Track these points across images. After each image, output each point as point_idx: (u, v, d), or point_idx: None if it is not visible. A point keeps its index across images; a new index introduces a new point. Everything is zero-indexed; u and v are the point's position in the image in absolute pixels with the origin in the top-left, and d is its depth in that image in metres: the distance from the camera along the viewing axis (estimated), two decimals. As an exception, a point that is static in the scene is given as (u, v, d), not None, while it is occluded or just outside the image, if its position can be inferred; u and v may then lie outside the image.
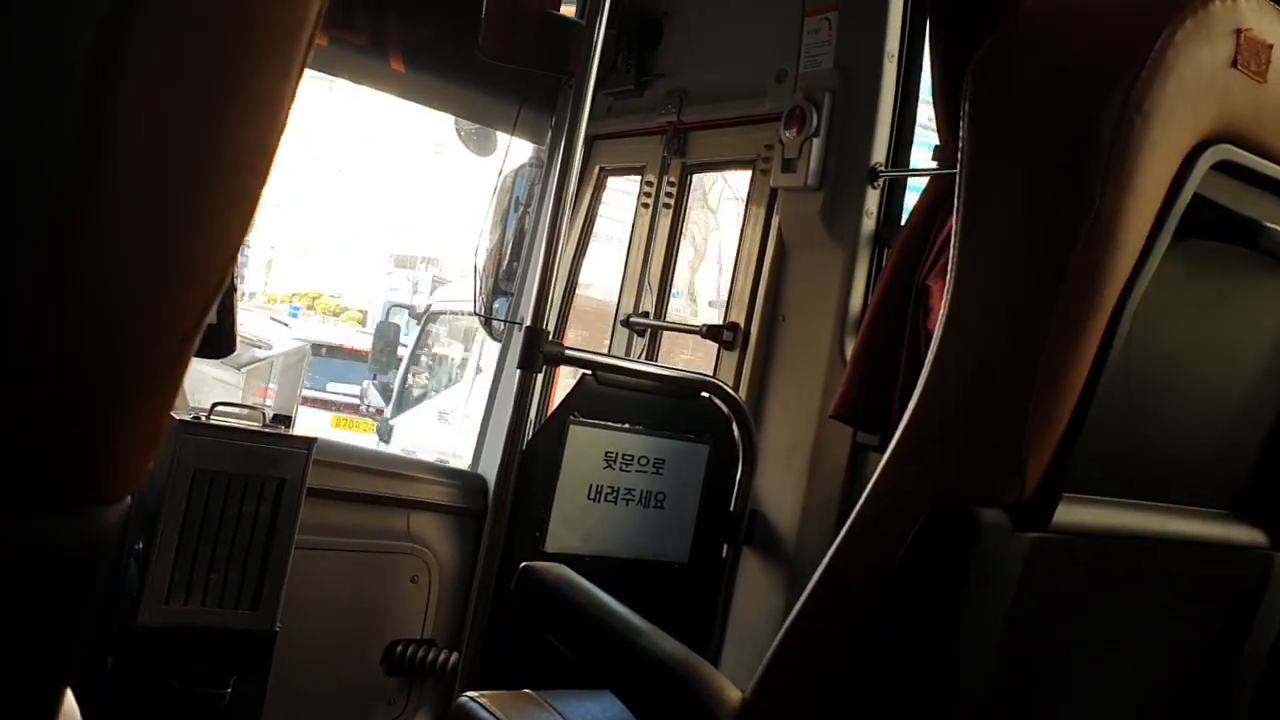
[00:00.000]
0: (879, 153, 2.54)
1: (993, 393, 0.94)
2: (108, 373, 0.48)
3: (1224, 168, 0.93)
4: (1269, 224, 0.94)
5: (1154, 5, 0.90)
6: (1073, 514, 0.96)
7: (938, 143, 2.42)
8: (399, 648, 2.98)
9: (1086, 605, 1.05)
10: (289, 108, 0.47)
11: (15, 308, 0.45)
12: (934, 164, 2.43)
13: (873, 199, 2.55)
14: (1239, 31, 0.90)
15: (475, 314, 3.86)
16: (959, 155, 0.97)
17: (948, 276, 0.97)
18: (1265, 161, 0.96)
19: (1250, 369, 1.08)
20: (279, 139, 0.47)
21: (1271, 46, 0.92)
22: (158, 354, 0.48)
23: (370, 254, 29.40)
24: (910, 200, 2.55)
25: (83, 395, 0.48)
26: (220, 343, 2.35)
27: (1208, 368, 1.04)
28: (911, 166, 2.60)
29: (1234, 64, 0.90)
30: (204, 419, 2.41)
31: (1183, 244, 0.94)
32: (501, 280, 3.72)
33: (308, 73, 0.50)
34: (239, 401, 2.56)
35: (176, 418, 2.35)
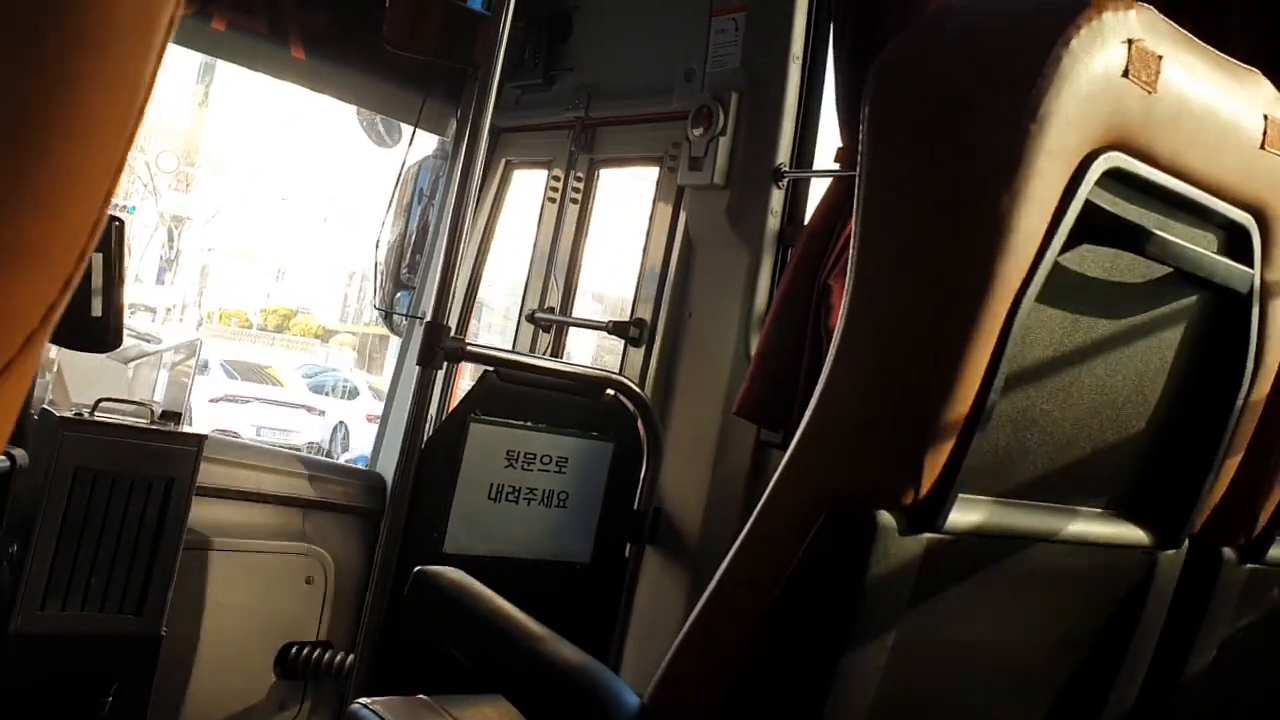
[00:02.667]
0: (784, 153, 2.56)
1: (889, 394, 0.94)
2: None
3: (1115, 175, 0.95)
4: (1157, 231, 0.96)
5: (1049, 15, 0.91)
6: (967, 514, 0.97)
7: (840, 144, 2.44)
8: (293, 650, 2.90)
9: (979, 604, 1.06)
10: (149, 80, 0.43)
11: None
12: (836, 165, 2.45)
13: (777, 198, 2.56)
14: (1130, 42, 0.91)
15: (376, 308, 3.78)
16: (858, 159, 0.97)
17: (847, 278, 0.97)
18: (1154, 169, 0.98)
19: (1136, 372, 1.10)
20: (137, 114, 0.43)
21: (1161, 57, 0.94)
22: None
23: (330, 258, 28.69)
24: (814, 201, 2.57)
25: None
26: (105, 337, 2.27)
27: (1097, 371, 1.06)
28: (815, 168, 2.61)
29: (1125, 74, 0.91)
30: (87, 415, 2.31)
31: (1075, 249, 0.95)
32: (404, 274, 3.66)
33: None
34: (126, 398, 2.46)
35: (56, 414, 2.26)
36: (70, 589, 2.26)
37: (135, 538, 2.33)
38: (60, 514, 2.23)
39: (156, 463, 2.35)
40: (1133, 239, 0.97)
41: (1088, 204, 0.93)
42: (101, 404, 2.36)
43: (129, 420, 2.37)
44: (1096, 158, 0.92)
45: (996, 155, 0.88)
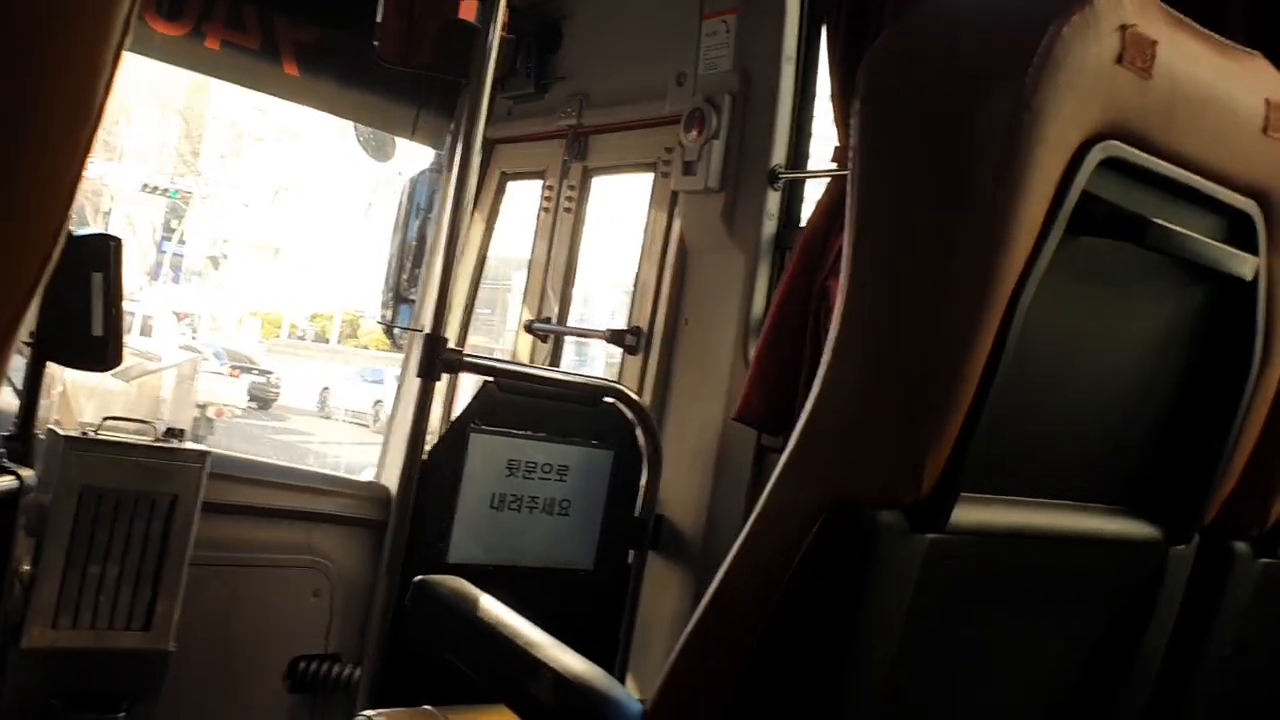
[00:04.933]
0: (779, 154, 2.56)
1: (887, 393, 0.94)
2: None
3: (1112, 164, 0.94)
4: (1155, 219, 0.95)
5: (1040, 3, 0.90)
6: (970, 513, 0.96)
7: (837, 144, 2.45)
8: (301, 664, 2.90)
9: (985, 604, 1.05)
10: (105, 84, 0.43)
11: None
12: (833, 165, 2.45)
13: (773, 201, 2.57)
14: (1124, 28, 0.90)
15: (378, 322, 3.79)
16: (850, 156, 0.97)
17: (841, 277, 0.96)
18: (1152, 157, 0.97)
19: (1140, 364, 1.09)
20: (94, 119, 0.43)
21: (1156, 43, 0.93)
22: None
23: (379, 251, 26.84)
24: (810, 202, 2.57)
25: None
26: (106, 355, 2.28)
27: (1099, 364, 1.05)
28: (811, 169, 2.62)
29: (1120, 60, 0.91)
30: (91, 434, 2.32)
31: (1073, 241, 0.94)
32: (404, 287, 3.66)
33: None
34: (130, 416, 2.47)
35: (62, 433, 2.26)
36: (79, 606, 2.26)
37: (141, 554, 2.33)
38: (68, 532, 2.24)
39: (161, 480, 2.35)
40: (1132, 229, 0.96)
41: (1085, 194, 0.92)
42: (106, 422, 2.36)
43: (133, 438, 2.37)
44: (1092, 147, 0.91)
45: (990, 147, 0.87)
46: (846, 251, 0.95)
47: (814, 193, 2.55)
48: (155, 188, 26.03)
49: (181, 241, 27.11)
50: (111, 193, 24.95)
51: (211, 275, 27.74)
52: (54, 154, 0.42)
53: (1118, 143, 0.94)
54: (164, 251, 27.03)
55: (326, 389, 21.46)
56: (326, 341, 26.75)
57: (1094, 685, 1.18)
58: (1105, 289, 1.04)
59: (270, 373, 21.08)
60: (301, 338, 27.47)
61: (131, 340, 18.33)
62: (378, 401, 20.21)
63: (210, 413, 16.93)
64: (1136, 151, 0.96)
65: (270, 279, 27.48)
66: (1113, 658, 1.16)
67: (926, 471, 0.91)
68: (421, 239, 3.61)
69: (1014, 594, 1.07)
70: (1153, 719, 1.20)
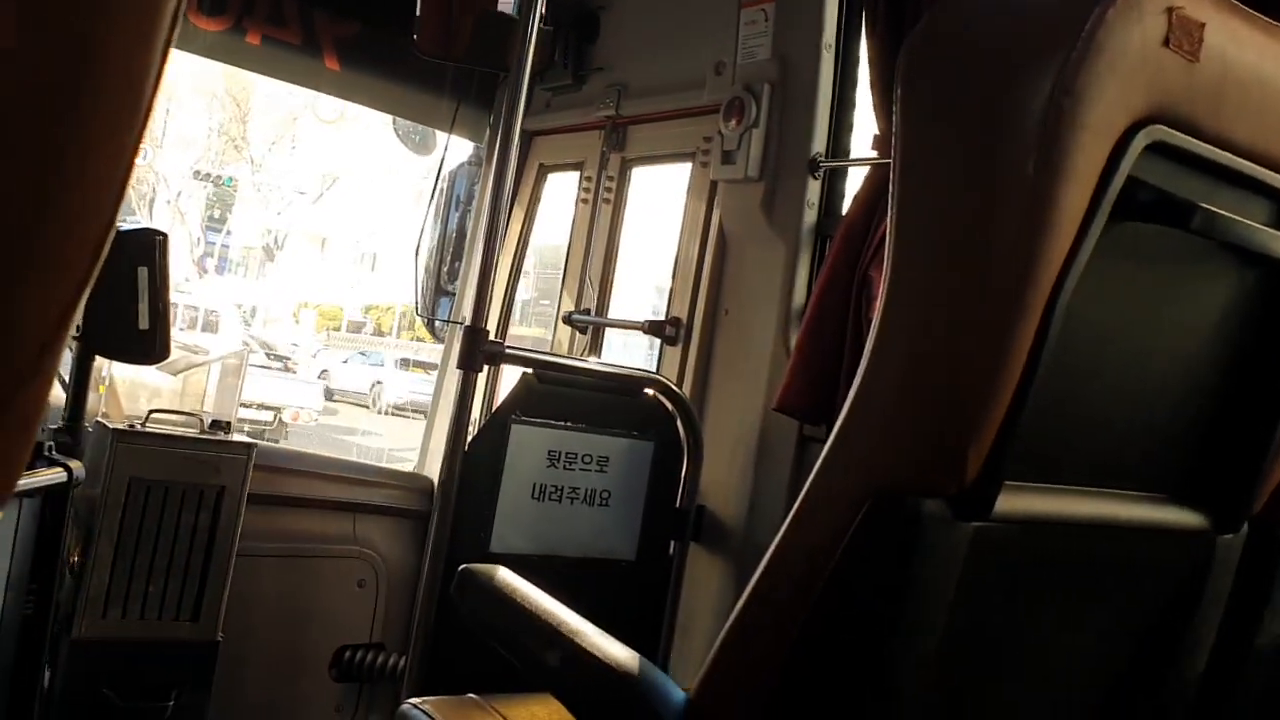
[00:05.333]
0: (819, 143, 2.54)
1: (930, 381, 0.93)
2: None
3: (1158, 149, 0.92)
4: (1203, 204, 0.94)
5: None
6: (1014, 502, 0.95)
7: (877, 132, 2.43)
8: (347, 653, 2.93)
9: (1029, 594, 1.04)
10: (154, 80, 0.43)
11: None
12: (874, 153, 2.43)
13: (814, 190, 2.55)
14: (1170, 10, 0.89)
15: (417, 314, 3.81)
16: (893, 146, 0.96)
17: (884, 265, 0.96)
18: (1199, 142, 0.95)
19: (1187, 350, 1.08)
20: (144, 115, 0.44)
21: (1204, 25, 0.91)
22: (9, 367, 0.44)
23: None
24: (851, 191, 2.56)
25: None
26: (153, 349, 2.31)
27: (1145, 350, 1.04)
28: (851, 157, 2.60)
29: (1166, 43, 0.89)
30: (139, 427, 2.35)
31: (1118, 227, 0.93)
32: (444, 280, 3.68)
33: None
34: (176, 408, 2.50)
35: (110, 426, 2.30)
36: (129, 597, 2.30)
37: (189, 546, 2.36)
38: (117, 524, 2.27)
39: (208, 472, 2.38)
40: (1178, 214, 0.94)
41: (1130, 179, 0.91)
42: (153, 415, 2.40)
43: (180, 431, 2.40)
44: (1138, 132, 0.90)
45: (1034, 132, 0.86)
46: (889, 239, 0.95)
47: (855, 181, 2.53)
48: (207, 174, 25.56)
49: (228, 231, 26.65)
50: (159, 180, 24.76)
51: (263, 267, 27.28)
52: (106, 150, 0.43)
53: (1164, 127, 0.92)
54: (212, 242, 26.88)
55: (325, 371, 21.62)
56: (384, 335, 26.28)
57: (1140, 677, 1.16)
58: (1151, 275, 1.02)
59: (286, 358, 21.20)
60: (357, 331, 26.91)
61: (197, 338, 18.02)
62: (376, 383, 20.27)
63: (286, 416, 16.75)
64: (1183, 136, 0.94)
65: (323, 270, 26.88)
66: (1159, 649, 1.15)
67: (970, 460, 0.91)
68: (461, 231, 3.63)
69: (1058, 584, 1.06)
70: (1201, 711, 1.19)
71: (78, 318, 0.46)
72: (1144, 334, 1.04)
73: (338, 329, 26.63)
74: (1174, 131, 0.93)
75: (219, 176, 25.72)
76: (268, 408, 16.45)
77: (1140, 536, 1.09)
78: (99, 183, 0.43)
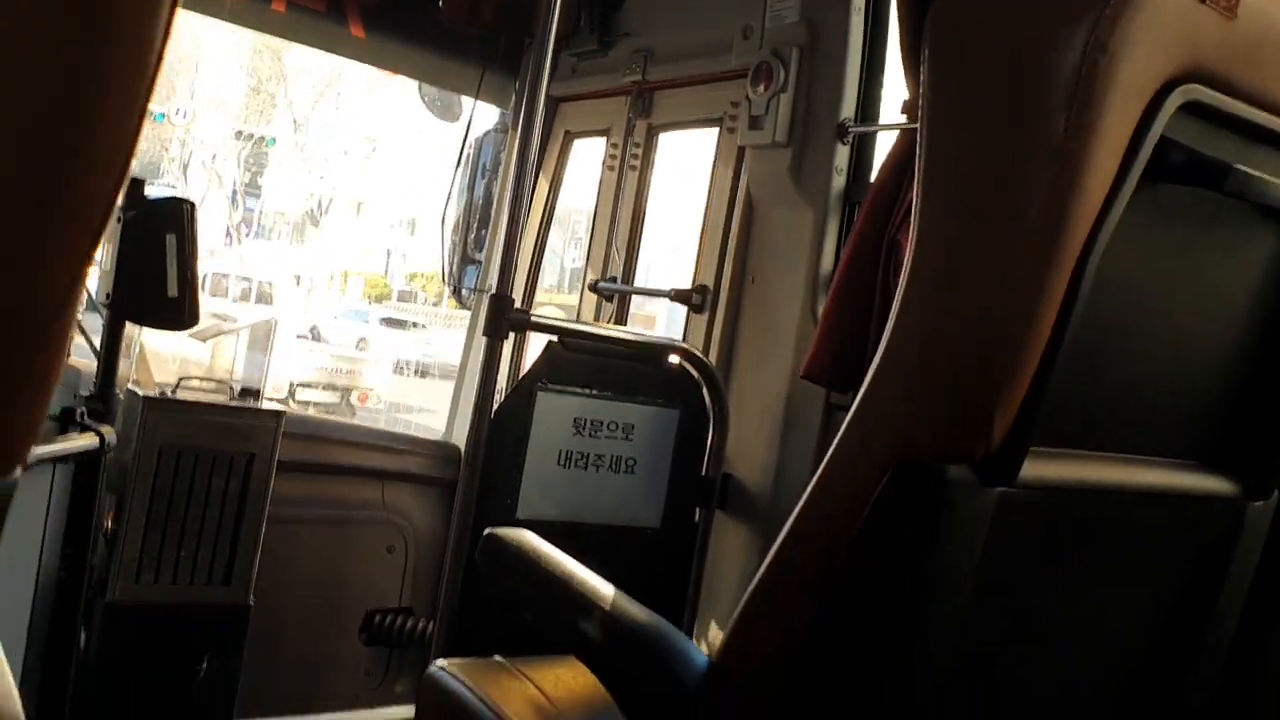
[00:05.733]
0: (848, 108, 2.52)
1: (957, 345, 0.92)
2: None
3: (1192, 109, 0.91)
4: (1237, 165, 0.92)
5: None
6: (1040, 468, 0.94)
7: (907, 96, 2.40)
8: (376, 618, 2.96)
9: (1055, 560, 1.03)
10: (161, 44, 0.44)
11: None
12: (903, 118, 2.40)
13: (842, 155, 2.53)
14: None
15: (444, 283, 3.82)
16: (920, 106, 0.95)
17: (911, 226, 0.94)
18: (1234, 101, 0.93)
19: (1218, 316, 1.06)
20: (153, 73, 0.44)
21: None
22: (31, 312, 0.44)
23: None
24: (880, 156, 2.53)
25: None
26: (182, 314, 2.33)
27: (1174, 315, 1.02)
28: (880, 122, 2.57)
29: (1202, 0, 0.87)
30: (169, 394, 2.37)
31: (1149, 188, 0.91)
32: (470, 248, 3.68)
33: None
34: (206, 375, 2.52)
35: (141, 394, 2.32)
36: (162, 561, 2.32)
37: (220, 511, 2.39)
38: (149, 490, 2.30)
39: (238, 439, 2.40)
40: (1211, 175, 0.92)
41: (1163, 139, 0.89)
42: (183, 382, 2.42)
43: (210, 398, 2.42)
44: (1171, 90, 0.88)
45: (1065, 91, 0.84)
46: (916, 201, 0.93)
47: (884, 147, 2.50)
48: (249, 135, 24.61)
49: (257, 195, 25.73)
50: (196, 143, 24.04)
51: (300, 233, 26.14)
52: (119, 101, 0.43)
53: (1198, 86, 0.90)
54: (251, 209, 25.94)
55: (315, 327, 20.70)
56: (438, 305, 25.07)
57: (1166, 644, 1.15)
58: (1183, 238, 1.01)
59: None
60: (409, 300, 25.73)
61: (253, 311, 17.15)
62: (361, 339, 19.71)
63: (354, 399, 16.11)
64: (1218, 95, 0.92)
65: (363, 237, 25.65)
66: (1187, 616, 1.14)
67: (996, 425, 0.90)
68: (487, 199, 3.62)
69: (1085, 550, 1.05)
70: (1229, 678, 1.18)
71: (108, 285, 0.47)
72: (1175, 297, 1.02)
73: (380, 297, 25.61)
74: (1208, 91, 0.91)
75: (261, 137, 24.82)
76: (335, 388, 15.84)
77: (1168, 503, 1.08)
78: (112, 134, 0.43)
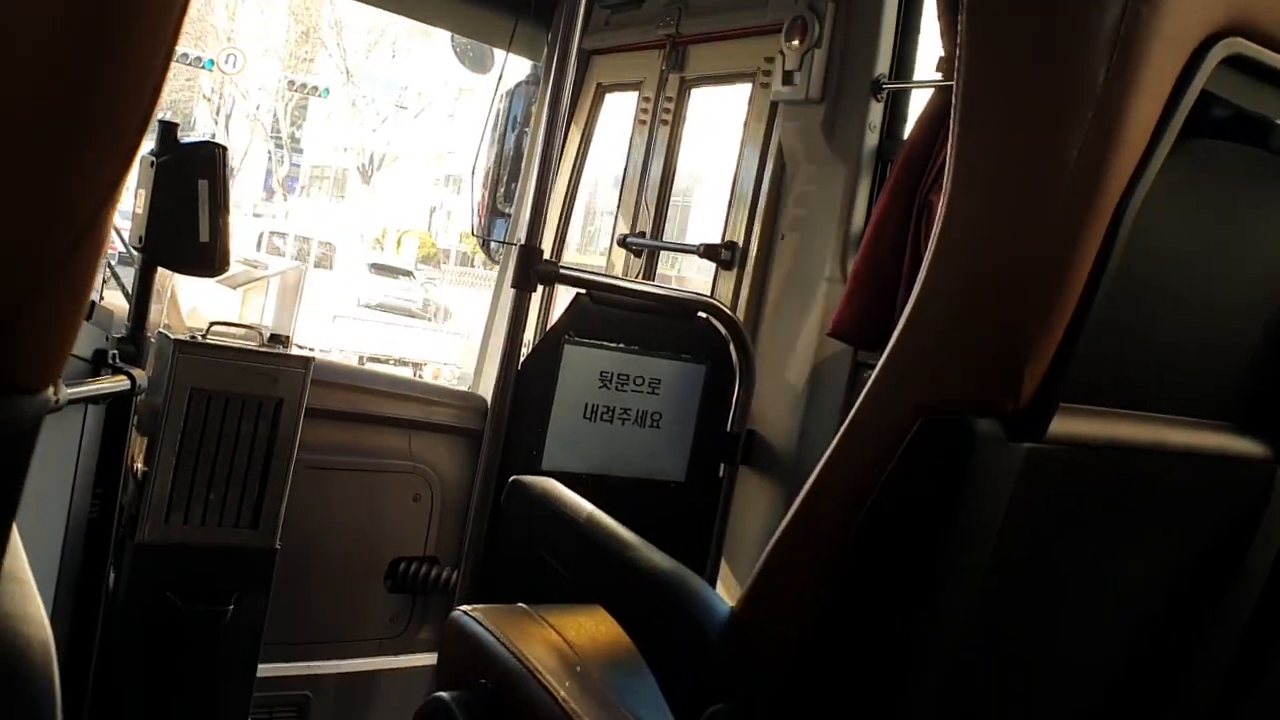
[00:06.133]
0: (883, 64, 2.49)
1: (988, 299, 0.91)
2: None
3: (1234, 62, 0.89)
4: None
5: None
6: (1069, 424, 0.94)
7: (942, 53, 2.37)
8: (401, 565, 3.00)
9: (1082, 518, 1.03)
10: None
11: None
12: (938, 75, 2.37)
13: (876, 112, 2.50)
14: None
15: (473, 234, 3.82)
16: (956, 58, 0.93)
17: (944, 181, 0.93)
18: (1278, 56, 0.92)
19: (1256, 276, 1.05)
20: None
21: None
22: (59, 231, 0.45)
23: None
24: (914, 114, 2.50)
25: None
26: (213, 260, 2.34)
27: (1211, 274, 1.01)
28: (915, 79, 2.54)
29: None
30: (200, 338, 2.39)
31: (1189, 143, 0.90)
32: (499, 201, 3.68)
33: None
34: (237, 321, 2.54)
35: (172, 337, 2.34)
36: (191, 503, 2.35)
37: (249, 455, 2.41)
38: (179, 432, 2.32)
39: (267, 384, 2.42)
40: (1253, 131, 0.91)
41: (1204, 94, 0.88)
42: (214, 327, 2.44)
43: (239, 343, 2.44)
44: (1215, 44, 0.87)
45: (1106, 41, 0.83)
46: (950, 153, 0.92)
47: (918, 104, 2.47)
48: (301, 85, 23.51)
49: (298, 150, 24.74)
50: (239, 94, 23.36)
51: (338, 190, 25.07)
52: (152, 14, 0.43)
53: (1242, 39, 0.88)
54: (297, 164, 24.86)
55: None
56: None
57: (1190, 607, 1.15)
58: (1222, 194, 0.99)
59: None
60: (467, 265, 23.95)
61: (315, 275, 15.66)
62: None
63: (428, 374, 14.88)
64: (1262, 49, 0.90)
65: (410, 194, 24.30)
66: (1213, 578, 1.14)
67: (1026, 379, 0.89)
68: (518, 152, 3.61)
69: (1112, 509, 1.04)
70: (1253, 639, 1.17)
71: (140, 229, 0.49)
72: (1211, 256, 1.01)
73: (428, 258, 24.12)
74: (1252, 44, 0.89)
75: (314, 87, 23.66)
76: (405, 363, 14.62)
77: (1198, 464, 1.07)
78: (147, 48, 0.44)
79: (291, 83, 23.52)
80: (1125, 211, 0.87)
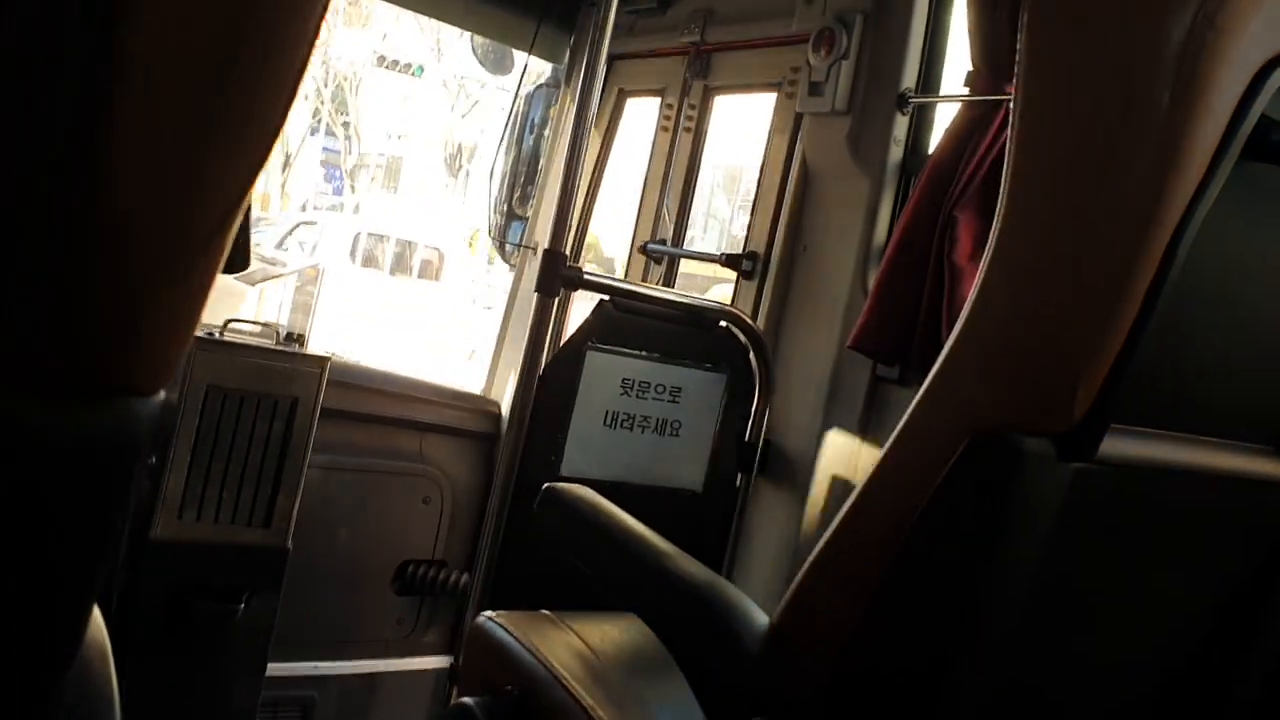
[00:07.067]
0: (909, 78, 2.48)
1: (1042, 317, 0.91)
2: (132, 260, 0.45)
3: (1295, 87, 0.88)
4: None
5: None
6: (1119, 445, 0.93)
7: (970, 68, 2.36)
8: (410, 568, 2.99)
9: (1128, 540, 1.02)
10: (316, 24, 0.44)
11: (39, 195, 0.42)
12: (965, 90, 2.36)
13: (901, 126, 2.49)
14: None
15: (489, 236, 3.81)
16: (1015, 72, 0.93)
17: (1000, 195, 0.93)
18: None
19: (1307, 302, 1.04)
20: (306, 53, 0.44)
21: None
22: (181, 248, 0.45)
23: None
24: (940, 128, 2.49)
25: (104, 281, 0.45)
26: (235, 257, 2.34)
27: (1266, 299, 1.00)
28: (942, 93, 2.53)
29: None
30: (216, 336, 2.39)
31: (1247, 167, 0.90)
32: (516, 204, 3.67)
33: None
34: (253, 319, 2.54)
35: (189, 334, 2.33)
36: (204, 500, 2.35)
37: (263, 454, 2.41)
38: (194, 429, 2.32)
39: (283, 382, 2.42)
40: None
41: (1263, 119, 0.87)
42: (230, 325, 2.43)
43: (256, 341, 2.44)
44: (1276, 68, 0.87)
45: (1171, 64, 0.83)
46: (1006, 169, 0.92)
47: (943, 119, 2.47)
48: (394, 62, 21.40)
49: (349, 137, 22.05)
50: (318, 66, 20.97)
51: (389, 183, 22.88)
52: (295, 19, 0.43)
53: None
54: (364, 152, 22.46)
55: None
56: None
57: (1228, 632, 1.14)
58: (1277, 221, 0.98)
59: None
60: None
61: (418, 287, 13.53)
62: None
63: None
64: None
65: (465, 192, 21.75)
66: (1251, 603, 1.13)
67: (1078, 400, 0.89)
68: (535, 155, 3.60)
69: (1159, 531, 1.04)
70: None
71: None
72: (1265, 281, 1.00)
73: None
74: None
75: (407, 64, 21.59)
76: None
77: (1245, 489, 1.06)
78: (286, 51, 0.43)
79: (382, 58, 21.58)
80: (1184, 235, 0.87)
